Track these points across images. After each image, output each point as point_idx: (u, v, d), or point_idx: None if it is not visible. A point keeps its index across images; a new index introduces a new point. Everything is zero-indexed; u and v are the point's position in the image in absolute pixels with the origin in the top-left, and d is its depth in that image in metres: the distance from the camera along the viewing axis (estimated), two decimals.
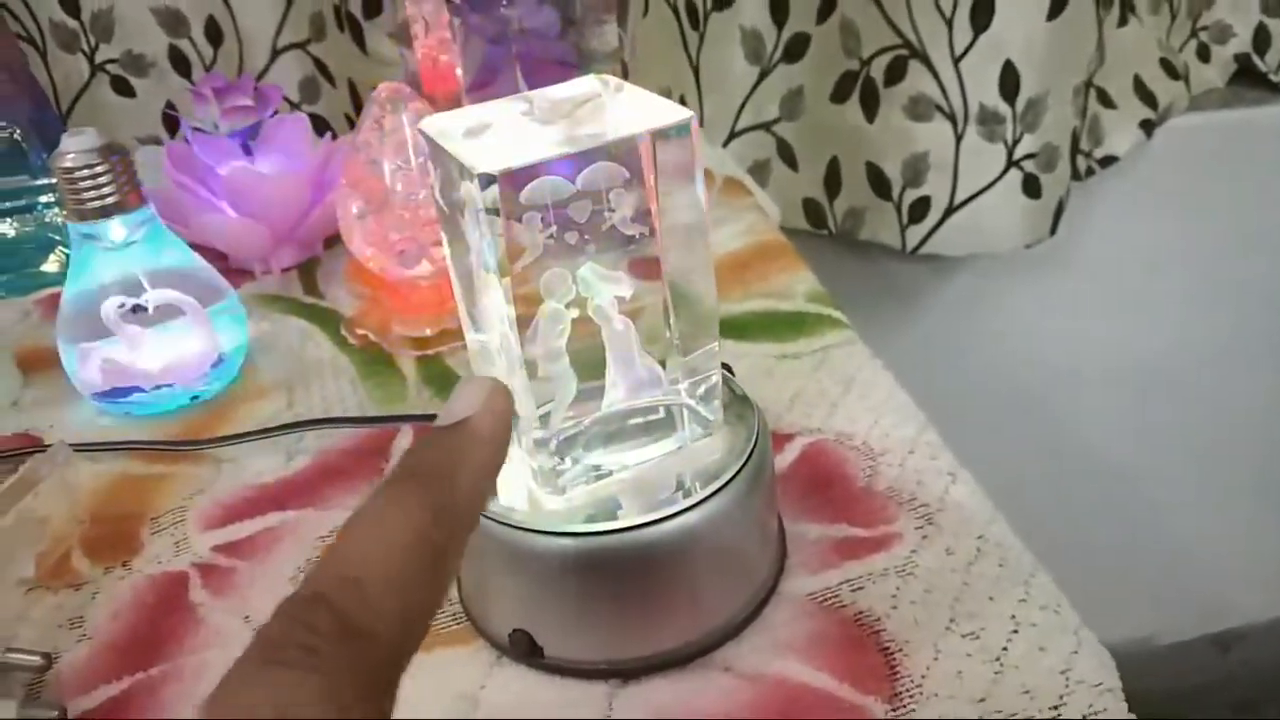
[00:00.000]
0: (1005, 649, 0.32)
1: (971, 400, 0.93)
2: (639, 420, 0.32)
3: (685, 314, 0.31)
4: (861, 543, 0.37)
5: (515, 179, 0.26)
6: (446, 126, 0.29)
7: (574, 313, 0.29)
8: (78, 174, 0.45)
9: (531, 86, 0.55)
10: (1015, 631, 0.33)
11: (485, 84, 0.56)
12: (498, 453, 0.24)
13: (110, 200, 0.45)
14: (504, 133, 0.28)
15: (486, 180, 0.26)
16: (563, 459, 0.31)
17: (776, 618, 0.34)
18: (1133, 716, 0.30)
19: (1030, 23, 0.72)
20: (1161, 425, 1.02)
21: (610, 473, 0.32)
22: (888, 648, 0.33)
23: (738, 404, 0.35)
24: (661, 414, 0.33)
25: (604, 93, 0.30)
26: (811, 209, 0.86)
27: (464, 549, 0.22)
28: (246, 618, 0.37)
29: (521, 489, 0.32)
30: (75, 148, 0.45)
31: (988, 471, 0.41)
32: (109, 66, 0.78)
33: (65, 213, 0.46)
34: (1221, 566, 1.11)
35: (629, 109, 0.29)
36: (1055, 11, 0.72)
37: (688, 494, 0.31)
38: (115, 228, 0.46)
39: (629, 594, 0.31)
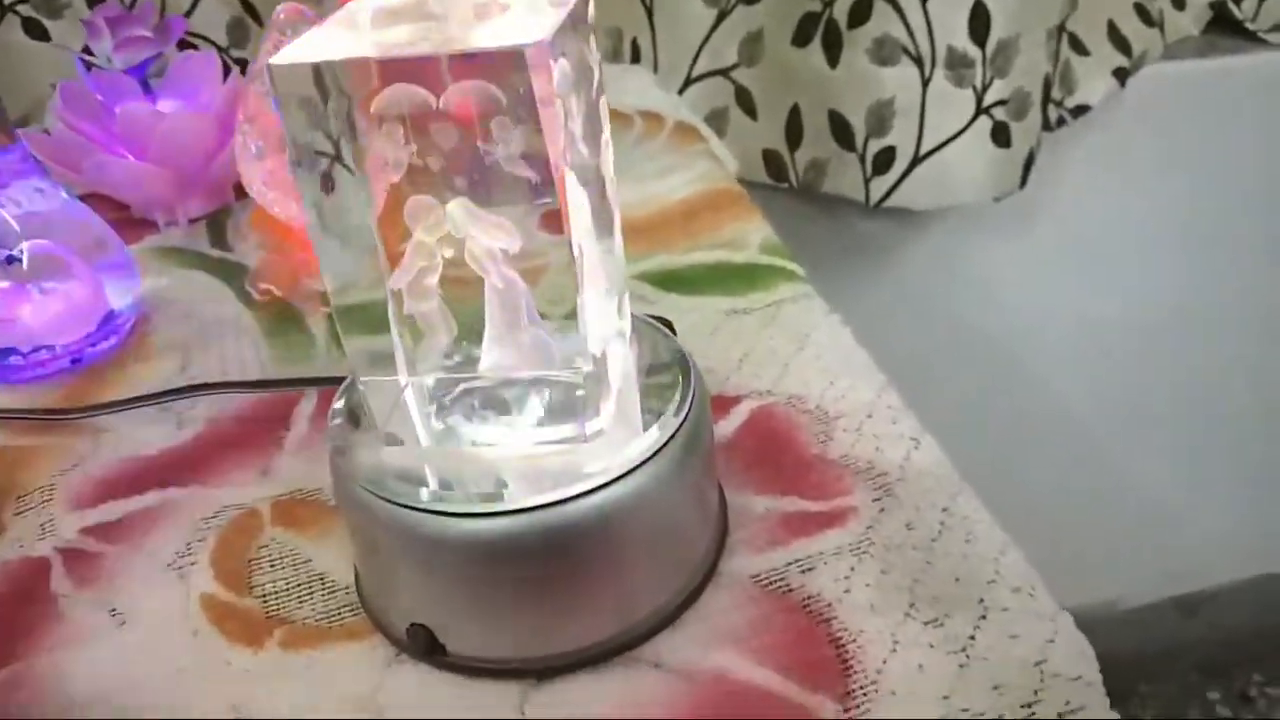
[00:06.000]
0: (972, 638, 0.29)
1: (936, 360, 0.89)
2: (531, 393, 0.28)
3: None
4: (812, 518, 0.33)
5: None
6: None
7: (448, 252, 0.25)
8: None
9: None
10: (984, 618, 0.29)
11: None
12: None
13: None
14: (366, 29, 0.24)
15: (269, 71, 0.23)
16: (441, 422, 0.27)
17: (715, 604, 0.30)
18: (1115, 715, 0.27)
19: None
20: (1131, 384, 1.00)
21: (491, 445, 0.28)
22: (840, 638, 0.29)
23: (672, 360, 0.31)
24: (557, 390, 0.28)
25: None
26: (771, 161, 0.82)
27: None
28: (113, 611, 0.32)
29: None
30: None
31: (953, 436, 0.37)
32: (19, 8, 0.72)
33: None
34: (1187, 529, 1.10)
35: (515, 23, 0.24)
36: None
37: (606, 466, 0.27)
38: None
39: (542, 582, 0.27)
